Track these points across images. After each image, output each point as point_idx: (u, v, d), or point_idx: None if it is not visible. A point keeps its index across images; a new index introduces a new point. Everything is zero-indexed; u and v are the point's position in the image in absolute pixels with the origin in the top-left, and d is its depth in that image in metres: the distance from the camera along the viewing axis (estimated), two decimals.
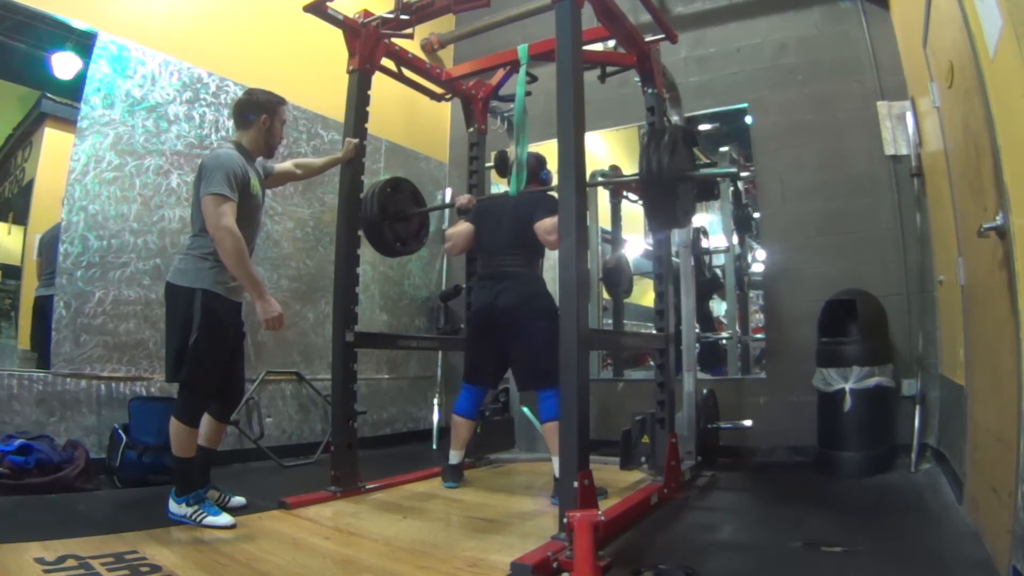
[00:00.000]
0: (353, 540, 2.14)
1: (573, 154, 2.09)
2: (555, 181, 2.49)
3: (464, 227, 3.01)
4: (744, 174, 3.38)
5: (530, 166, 2.96)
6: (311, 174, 3.05)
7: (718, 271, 4.98)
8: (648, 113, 3.09)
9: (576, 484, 1.90)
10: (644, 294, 5.27)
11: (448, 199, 5.15)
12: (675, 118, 3.51)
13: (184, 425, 2.24)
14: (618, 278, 4.95)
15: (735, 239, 4.61)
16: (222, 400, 2.39)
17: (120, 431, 2.97)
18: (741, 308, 4.80)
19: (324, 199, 4.15)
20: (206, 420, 2.34)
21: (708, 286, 4.87)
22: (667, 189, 2.44)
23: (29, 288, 3.54)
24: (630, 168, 5.16)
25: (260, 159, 2.52)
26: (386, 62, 3.12)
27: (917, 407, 3.31)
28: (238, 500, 2.47)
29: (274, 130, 2.46)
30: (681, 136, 2.53)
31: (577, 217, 2.08)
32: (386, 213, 3.15)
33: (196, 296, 2.21)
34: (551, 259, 3.03)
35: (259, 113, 2.42)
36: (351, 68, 2.95)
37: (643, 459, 2.98)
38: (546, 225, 2.68)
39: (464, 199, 3.15)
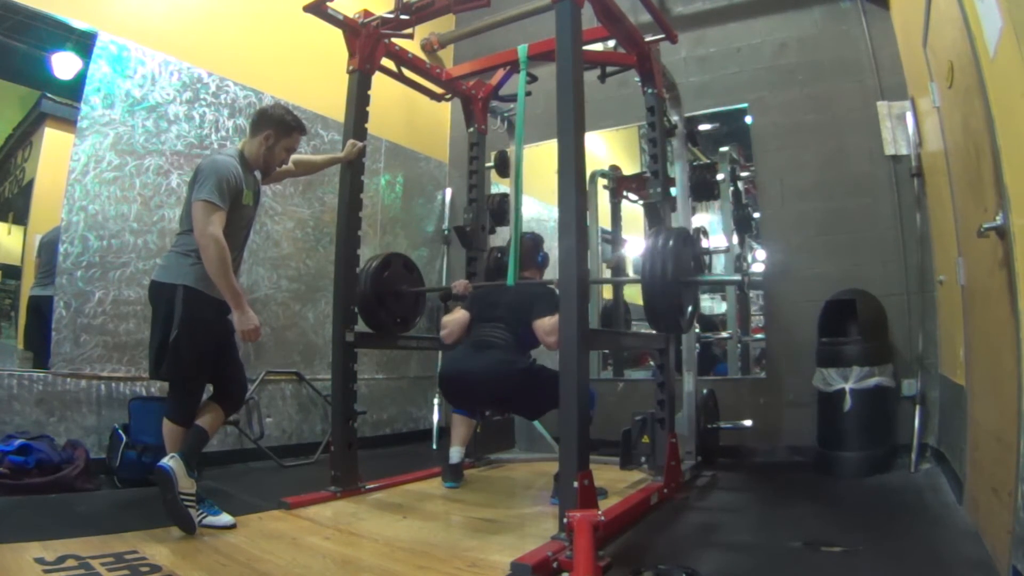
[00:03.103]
0: (353, 540, 2.14)
1: (573, 154, 2.09)
2: (552, 264, 2.41)
3: (460, 315, 2.93)
4: (742, 279, 3.35)
5: (526, 248, 2.88)
6: (310, 171, 3.05)
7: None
8: (648, 113, 3.09)
9: (576, 484, 1.90)
10: None
11: (448, 200, 5.17)
12: (675, 118, 3.51)
13: (176, 425, 2.23)
14: (619, 304, 4.96)
15: (735, 239, 4.61)
16: (225, 398, 2.38)
17: (120, 431, 2.97)
18: (741, 308, 4.79)
19: (324, 199, 4.15)
20: (211, 405, 2.32)
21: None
22: (671, 295, 2.33)
23: (29, 288, 3.54)
24: (630, 168, 5.18)
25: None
26: (386, 62, 3.12)
27: (917, 407, 3.31)
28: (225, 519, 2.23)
29: (275, 151, 2.43)
30: (684, 239, 2.43)
31: (577, 217, 2.08)
32: (381, 297, 3.06)
33: (177, 292, 2.20)
34: (551, 259, 3.03)
35: (266, 127, 2.40)
36: (351, 68, 2.94)
37: (643, 459, 2.98)
38: (546, 325, 2.58)
39: (461, 285, 3.12)
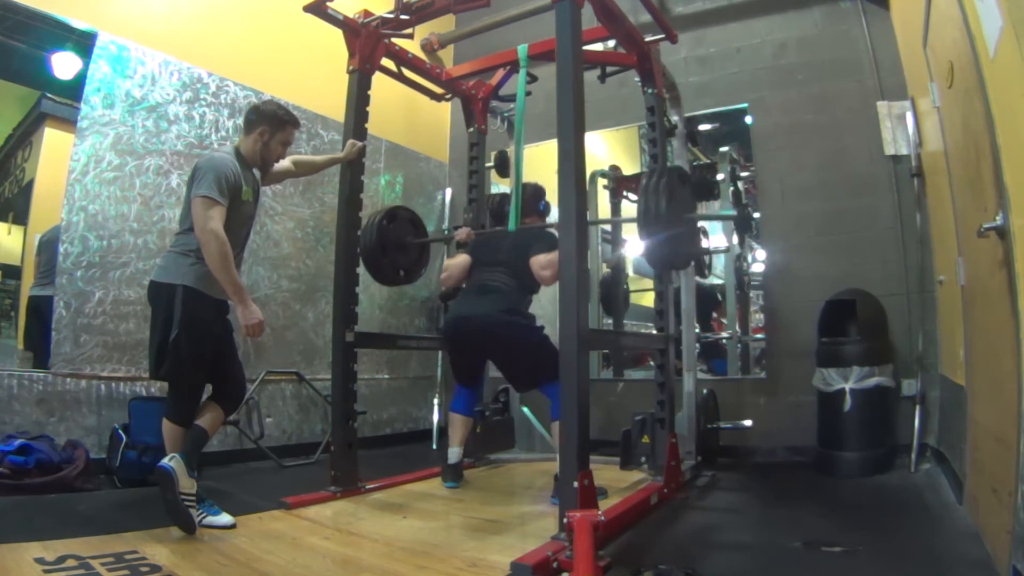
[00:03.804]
0: (353, 540, 2.14)
1: (573, 154, 2.09)
2: (554, 212, 2.45)
3: (461, 259, 2.99)
4: (742, 212, 3.35)
5: (528, 195, 2.90)
6: (310, 172, 3.05)
7: (718, 293, 4.98)
8: (648, 113, 3.09)
9: (576, 484, 1.90)
10: (644, 294, 5.27)
11: (448, 200, 5.17)
12: (675, 118, 3.51)
13: (176, 425, 2.23)
14: (618, 278, 4.96)
15: (735, 239, 4.61)
16: (224, 398, 2.38)
17: (120, 431, 2.97)
18: (741, 308, 4.80)
19: (324, 199, 4.15)
20: (211, 405, 2.32)
21: (708, 302, 4.88)
22: (666, 232, 2.35)
23: (29, 288, 3.55)
24: (630, 168, 5.18)
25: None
26: (386, 62, 3.12)
27: (917, 407, 3.31)
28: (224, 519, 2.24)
29: (270, 146, 2.44)
30: (679, 177, 2.45)
31: (577, 217, 2.08)
32: (385, 246, 3.11)
33: (177, 292, 2.20)
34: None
35: (260, 123, 2.40)
36: (351, 68, 2.94)
37: (643, 459, 2.98)
38: (541, 260, 2.64)
39: (463, 233, 3.16)
